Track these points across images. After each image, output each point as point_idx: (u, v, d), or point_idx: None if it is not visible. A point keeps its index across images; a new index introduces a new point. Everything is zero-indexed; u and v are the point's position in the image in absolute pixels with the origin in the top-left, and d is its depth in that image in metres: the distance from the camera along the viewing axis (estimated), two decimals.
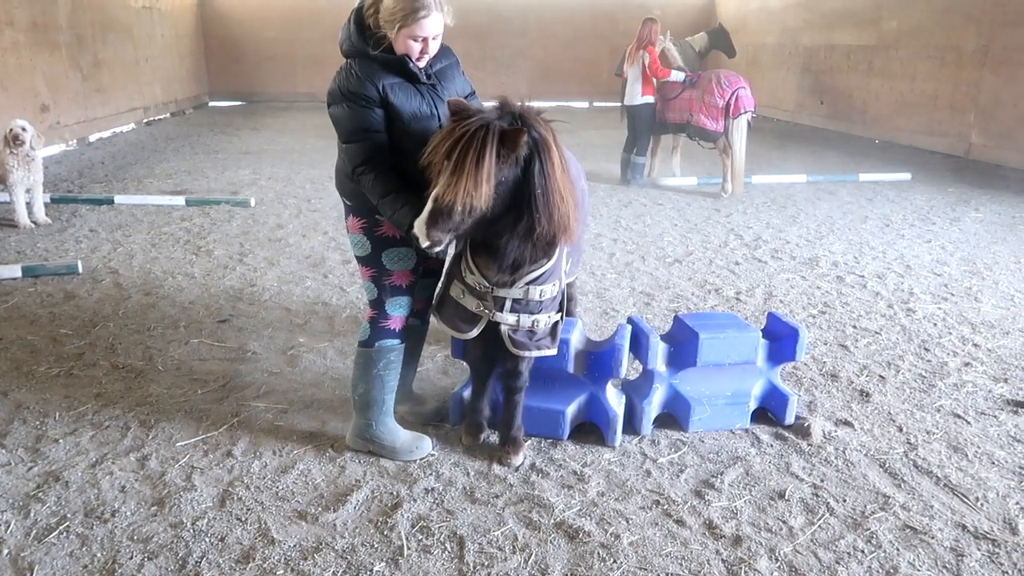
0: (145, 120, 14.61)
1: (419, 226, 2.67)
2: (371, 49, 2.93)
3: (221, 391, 3.85)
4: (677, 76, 8.74)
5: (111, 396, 3.78)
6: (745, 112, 8.38)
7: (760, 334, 3.47)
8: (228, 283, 5.51)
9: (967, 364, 4.34)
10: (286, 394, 3.83)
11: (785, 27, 16.73)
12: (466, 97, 3.26)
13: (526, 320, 3.05)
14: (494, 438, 3.42)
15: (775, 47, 17.07)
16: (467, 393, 3.50)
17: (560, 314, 3.18)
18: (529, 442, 3.36)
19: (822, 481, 3.15)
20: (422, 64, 2.98)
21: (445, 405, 3.61)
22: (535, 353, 3.11)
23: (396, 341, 3.27)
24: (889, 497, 3.04)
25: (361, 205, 3.11)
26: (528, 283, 3.00)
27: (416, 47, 2.89)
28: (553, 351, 3.15)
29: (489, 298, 3.04)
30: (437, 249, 2.72)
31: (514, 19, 19.24)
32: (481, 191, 2.58)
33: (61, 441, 3.35)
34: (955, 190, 9.36)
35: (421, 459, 3.25)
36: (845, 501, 3.01)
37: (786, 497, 3.03)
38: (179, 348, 4.38)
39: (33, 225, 6.93)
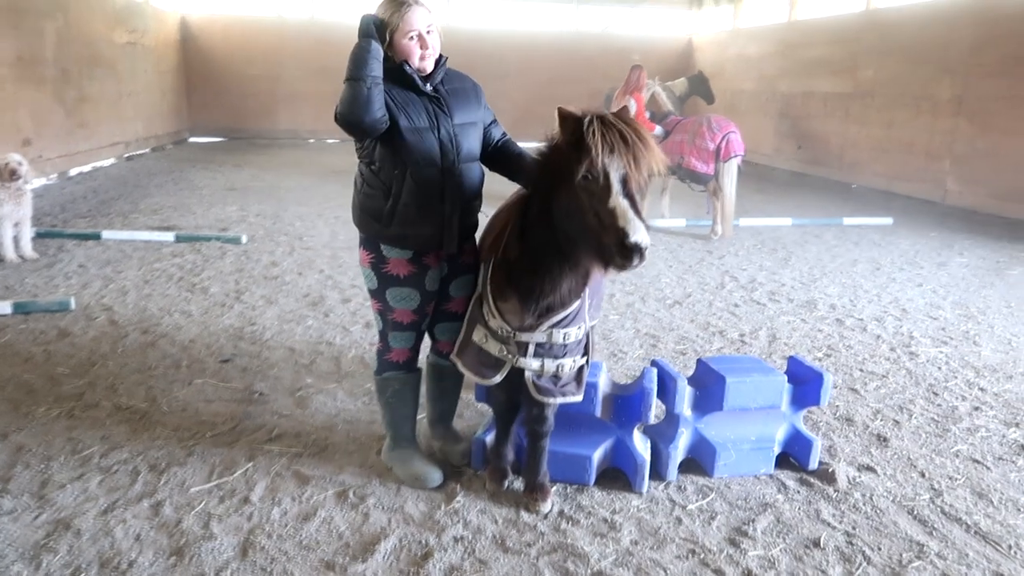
0: (126, 155, 14.45)
1: (639, 229, 2.48)
2: None
3: (231, 434, 3.74)
4: (658, 131, 8.89)
5: (117, 438, 3.64)
6: (735, 156, 8.51)
7: (786, 378, 3.46)
8: (227, 322, 5.39)
9: (977, 408, 4.37)
10: (299, 437, 3.72)
11: (762, 74, 17.14)
12: (488, 126, 3.26)
13: (550, 365, 3.00)
14: (518, 483, 3.34)
15: (753, 93, 17.46)
16: (490, 437, 3.43)
17: (586, 358, 3.14)
18: (555, 487, 3.29)
19: (854, 529, 3.12)
20: (427, 66, 2.97)
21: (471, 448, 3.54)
22: (560, 400, 3.06)
23: (400, 372, 3.30)
24: (923, 545, 3.01)
25: (369, 236, 3.13)
26: (552, 326, 2.96)
27: (413, 45, 2.91)
28: (579, 397, 3.10)
29: (512, 342, 2.99)
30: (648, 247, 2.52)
31: (493, 61, 19.43)
32: (662, 156, 2.63)
33: (68, 486, 3.21)
34: (937, 235, 9.55)
35: (429, 487, 3.25)
36: (880, 549, 2.98)
37: (821, 545, 2.99)
38: (183, 389, 4.25)
39: (20, 260, 6.76)
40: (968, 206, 11.45)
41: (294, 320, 5.47)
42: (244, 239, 7.87)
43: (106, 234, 7.79)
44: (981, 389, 4.66)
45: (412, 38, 2.92)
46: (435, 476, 3.29)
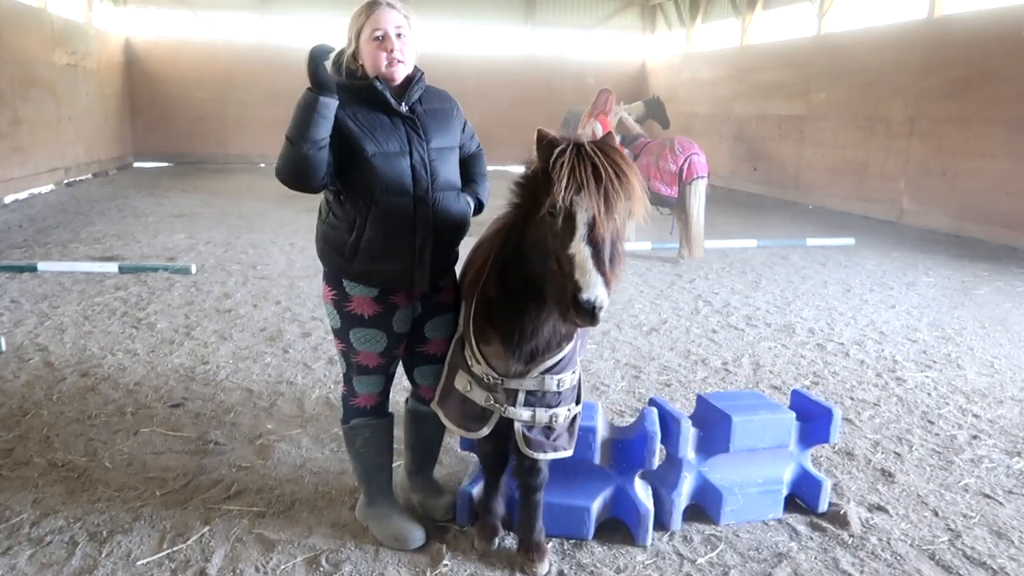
0: (66, 181, 13.77)
1: (593, 285, 2.15)
2: (342, 78, 2.68)
3: (184, 492, 3.33)
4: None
5: (51, 502, 3.21)
6: (698, 177, 8.39)
7: (794, 415, 3.22)
8: (176, 361, 4.96)
9: (975, 437, 4.20)
10: (261, 493, 3.34)
11: (716, 97, 17.28)
12: (471, 155, 2.99)
13: (543, 415, 2.69)
14: (509, 540, 3.02)
15: (707, 116, 17.58)
16: (476, 490, 3.11)
17: (580, 406, 2.84)
18: (550, 543, 2.98)
19: None
20: (395, 75, 2.67)
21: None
22: (551, 456, 2.75)
23: (369, 419, 2.99)
24: None
25: (331, 272, 2.82)
26: (544, 372, 2.66)
27: (378, 47, 2.63)
28: (569, 452, 2.80)
29: (500, 390, 2.68)
30: (603, 316, 2.22)
31: (450, 85, 19.06)
32: (642, 196, 2.34)
33: None
34: (899, 255, 9.57)
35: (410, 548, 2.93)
36: None
37: None
38: (128, 439, 3.83)
39: None
40: (924, 226, 11.58)
41: (251, 357, 5.07)
42: (193, 269, 7.41)
43: (42, 266, 7.25)
44: (975, 416, 4.50)
45: (378, 38, 2.63)
46: (417, 535, 2.95)
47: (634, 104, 14.30)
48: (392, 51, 2.65)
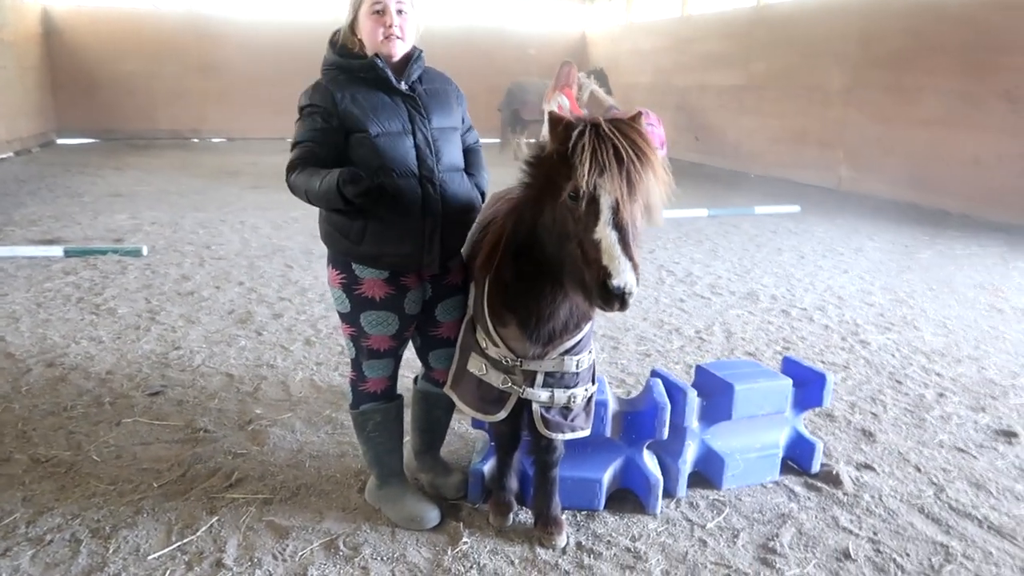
0: None
1: (624, 270, 2.11)
2: (340, 58, 2.64)
3: (182, 482, 3.25)
4: None
5: (42, 500, 3.08)
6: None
7: (791, 382, 3.33)
8: (146, 347, 4.79)
9: (942, 395, 4.42)
10: (263, 480, 3.28)
11: (658, 68, 17.42)
12: (464, 133, 2.94)
13: (561, 396, 2.70)
14: (523, 515, 3.05)
15: (648, 87, 17.72)
16: (488, 467, 3.12)
17: (596, 385, 2.87)
18: (564, 516, 3.02)
19: (876, 535, 3.01)
20: (393, 51, 2.64)
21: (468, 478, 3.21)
22: (569, 436, 2.77)
23: (379, 403, 2.95)
24: (947, 547, 2.94)
25: (338, 254, 2.75)
26: (563, 353, 2.67)
27: (377, 21, 2.59)
28: (587, 431, 2.83)
29: (518, 372, 2.68)
30: (634, 295, 2.18)
31: None
32: (665, 178, 2.28)
33: None
34: (843, 221, 9.90)
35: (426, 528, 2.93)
36: (909, 555, 2.88)
37: (852, 557, 2.86)
38: (111, 431, 3.69)
39: None
40: (862, 192, 11.99)
41: (224, 341, 4.93)
42: (145, 251, 7.14)
43: None
44: (938, 375, 4.73)
45: (377, 12, 2.58)
46: (433, 515, 2.95)
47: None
48: (391, 26, 2.60)
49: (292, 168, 2.58)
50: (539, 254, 2.43)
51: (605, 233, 2.17)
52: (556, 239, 2.33)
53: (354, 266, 2.73)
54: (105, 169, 12.96)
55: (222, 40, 17.18)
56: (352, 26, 2.67)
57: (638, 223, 2.29)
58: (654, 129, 8.47)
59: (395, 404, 3.00)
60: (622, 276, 2.12)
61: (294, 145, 2.63)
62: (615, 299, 2.14)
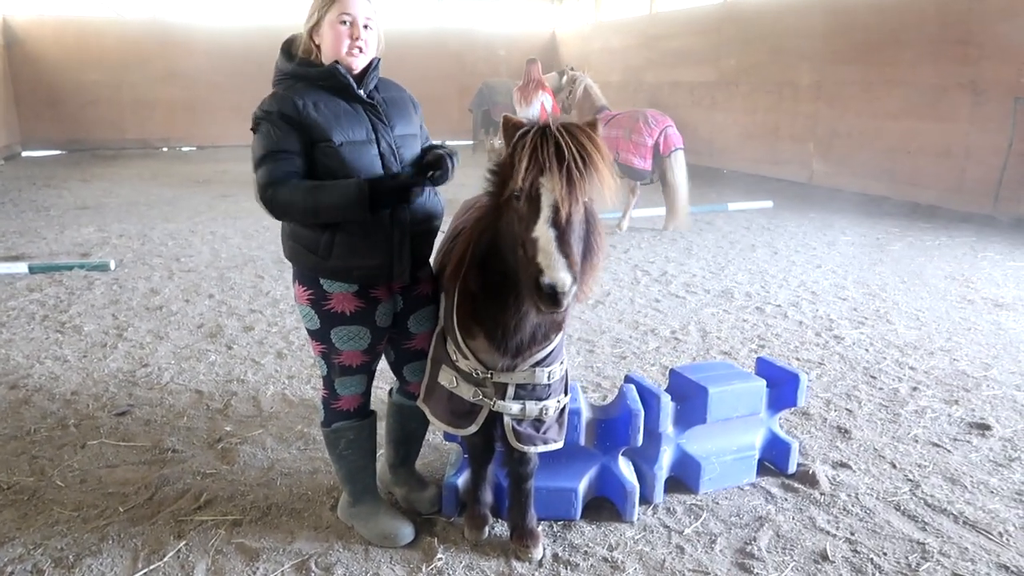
0: None
1: (556, 267, 2.09)
2: (297, 66, 2.57)
3: (149, 506, 3.16)
4: None
5: (2, 529, 2.99)
6: (676, 149, 8.47)
7: (764, 383, 3.31)
8: (113, 365, 4.69)
9: (915, 389, 4.44)
10: (233, 501, 3.21)
11: (628, 65, 17.46)
12: (424, 146, 2.88)
13: (533, 408, 2.66)
14: (499, 527, 3.01)
15: (620, 84, 17.74)
16: (462, 480, 3.08)
17: (568, 396, 2.84)
18: (540, 527, 2.98)
19: (853, 534, 3.01)
20: (356, 64, 2.58)
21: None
22: (541, 448, 2.73)
23: (352, 421, 2.88)
24: (924, 544, 2.94)
25: (305, 271, 2.67)
26: (534, 365, 2.63)
27: (344, 32, 2.53)
28: (560, 444, 2.79)
29: (489, 384, 2.64)
30: (568, 303, 2.14)
31: None
32: (610, 180, 2.24)
33: None
34: (816, 215, 9.96)
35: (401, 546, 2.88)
36: (886, 555, 2.88)
37: (830, 558, 2.85)
38: (76, 454, 3.60)
39: None
40: (833, 186, 12.07)
41: (193, 356, 4.84)
42: (112, 265, 7.01)
43: None
44: (911, 368, 4.76)
45: (345, 23, 2.53)
46: (406, 531, 2.90)
47: (549, 75, 14.30)
48: (357, 39, 2.55)
49: (274, 183, 2.45)
50: (502, 264, 2.39)
51: (543, 231, 2.15)
52: (508, 242, 2.31)
53: (322, 281, 2.66)
54: (71, 181, 12.75)
55: (188, 47, 16.96)
56: (311, 32, 2.61)
57: (590, 228, 2.29)
58: (671, 130, 8.45)
59: (368, 421, 2.94)
60: (552, 273, 2.09)
61: (263, 158, 2.48)
62: (547, 297, 2.11)
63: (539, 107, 8.85)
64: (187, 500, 3.20)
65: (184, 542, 2.90)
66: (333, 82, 2.57)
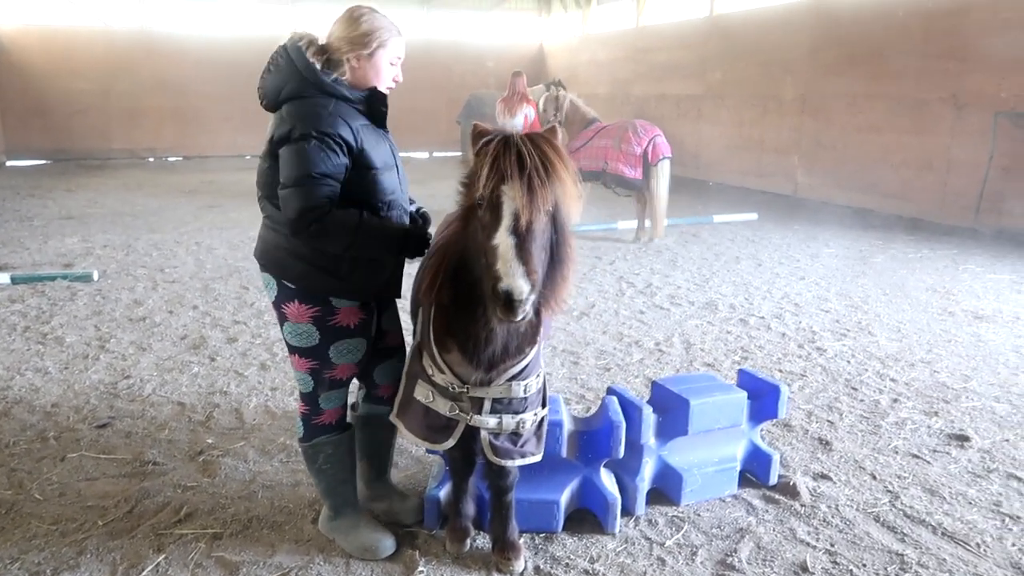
0: None
1: (512, 274, 2.10)
2: (337, 84, 2.58)
3: (129, 519, 3.14)
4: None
5: None
6: (664, 158, 8.55)
7: (745, 395, 3.33)
8: (94, 377, 4.66)
9: (896, 401, 4.47)
10: (213, 514, 3.19)
11: (615, 78, 17.57)
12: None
13: (510, 422, 2.66)
14: (481, 540, 3.01)
15: (607, 96, 17.85)
16: (443, 493, 3.07)
17: (546, 409, 2.84)
18: (522, 539, 2.98)
19: (833, 546, 3.02)
20: (385, 96, 2.69)
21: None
22: (519, 462, 2.72)
23: (331, 435, 2.88)
24: (903, 555, 2.96)
25: (310, 287, 2.64)
26: (510, 379, 2.63)
27: (394, 72, 2.67)
28: (538, 457, 2.78)
29: (465, 399, 2.63)
30: (526, 311, 2.14)
31: None
32: (573, 190, 2.26)
33: None
34: (800, 228, 10.04)
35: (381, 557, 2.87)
36: (865, 566, 2.90)
37: (810, 569, 2.86)
38: (55, 467, 3.57)
39: None
40: (818, 198, 12.18)
41: (176, 368, 4.82)
42: (95, 275, 6.97)
43: None
44: (892, 380, 4.80)
45: (394, 64, 2.67)
46: (388, 544, 2.90)
47: (536, 88, 14.37)
48: (396, 77, 2.70)
49: (314, 209, 2.43)
50: (471, 275, 2.40)
51: (503, 238, 2.16)
52: (475, 253, 2.31)
53: (332, 299, 2.66)
54: (56, 191, 12.68)
55: (176, 57, 16.95)
56: (354, 55, 2.59)
57: (560, 238, 2.30)
58: (660, 139, 8.51)
59: (347, 434, 2.94)
60: (510, 280, 2.10)
61: (307, 178, 2.43)
62: (504, 304, 2.12)
63: (522, 119, 8.89)
64: (167, 513, 3.18)
65: (164, 556, 2.88)
66: (370, 108, 2.64)
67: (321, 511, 3.04)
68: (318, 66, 2.55)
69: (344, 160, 2.50)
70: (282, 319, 2.73)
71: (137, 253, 8.12)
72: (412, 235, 2.64)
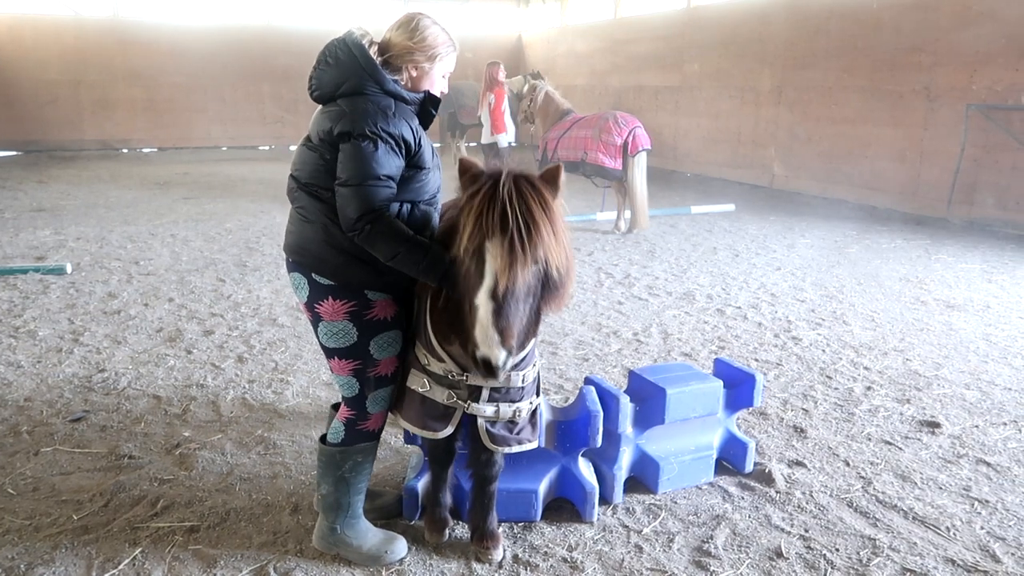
0: None
1: (490, 343, 2.18)
2: (397, 86, 2.61)
3: (104, 513, 3.12)
4: (502, 141, 9.02)
5: None
6: (644, 149, 8.56)
7: (722, 384, 3.37)
8: (68, 370, 4.61)
9: (869, 388, 4.54)
10: (190, 507, 3.17)
11: (593, 70, 17.59)
12: None
13: (507, 410, 2.67)
14: (460, 530, 3.02)
15: (585, 88, 17.86)
16: (422, 484, 3.08)
17: (540, 397, 2.86)
18: (500, 528, 2.99)
19: (807, 531, 3.07)
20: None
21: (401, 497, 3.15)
22: (515, 448, 2.74)
23: (368, 443, 2.81)
24: (875, 540, 3.02)
25: (347, 283, 2.59)
26: (510, 369, 2.64)
27: (443, 84, 2.72)
28: (534, 443, 2.80)
29: (463, 386, 2.65)
30: (506, 372, 2.23)
31: (306, 62, 18.62)
32: (564, 248, 2.28)
33: None
34: (776, 218, 10.14)
35: (394, 563, 2.79)
36: (839, 551, 2.95)
37: (784, 555, 2.90)
38: (29, 461, 3.53)
39: None
40: (793, 189, 12.29)
41: (151, 361, 4.77)
42: (69, 268, 6.87)
43: None
44: (866, 368, 4.87)
45: (445, 76, 2.72)
46: (402, 544, 2.85)
47: (515, 79, 14.36)
48: (444, 90, 2.75)
49: (374, 211, 2.42)
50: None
51: (483, 301, 2.21)
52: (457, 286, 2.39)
53: (368, 292, 2.63)
54: (27, 183, 12.48)
55: (149, 47, 16.70)
56: (413, 62, 2.62)
57: (525, 292, 2.27)
58: (639, 131, 8.52)
59: (376, 442, 2.87)
60: (487, 350, 2.20)
61: (371, 177, 2.42)
62: (483, 368, 2.24)
63: (487, 108, 8.99)
64: (143, 507, 3.16)
65: (140, 549, 2.87)
66: (422, 110, 2.67)
67: (316, 527, 2.88)
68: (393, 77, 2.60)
69: (402, 162, 2.52)
70: (316, 320, 2.65)
71: (111, 245, 8.02)
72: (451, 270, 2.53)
